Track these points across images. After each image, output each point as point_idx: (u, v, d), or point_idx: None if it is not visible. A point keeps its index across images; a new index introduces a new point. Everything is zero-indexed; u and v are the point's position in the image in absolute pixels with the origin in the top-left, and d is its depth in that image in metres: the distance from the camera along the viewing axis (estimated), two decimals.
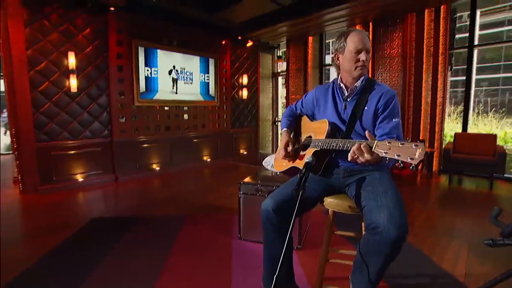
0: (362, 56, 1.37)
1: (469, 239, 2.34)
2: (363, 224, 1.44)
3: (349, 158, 1.14)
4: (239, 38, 5.79)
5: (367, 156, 1.08)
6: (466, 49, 4.40)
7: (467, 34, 4.40)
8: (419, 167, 4.56)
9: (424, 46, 4.33)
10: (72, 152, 3.96)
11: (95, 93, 4.12)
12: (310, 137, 1.57)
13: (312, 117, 1.67)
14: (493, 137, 4.04)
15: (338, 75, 1.54)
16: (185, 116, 5.35)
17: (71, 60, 3.77)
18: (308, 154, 1.49)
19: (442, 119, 4.37)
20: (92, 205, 3.41)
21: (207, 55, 5.43)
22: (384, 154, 1.03)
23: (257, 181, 2.36)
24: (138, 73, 4.45)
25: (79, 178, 4.02)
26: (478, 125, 8.87)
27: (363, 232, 1.45)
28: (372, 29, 4.91)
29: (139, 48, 4.42)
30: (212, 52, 5.52)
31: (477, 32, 4.38)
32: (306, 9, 4.64)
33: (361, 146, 1.09)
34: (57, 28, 3.70)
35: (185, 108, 5.29)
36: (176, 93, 5.00)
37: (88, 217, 2.83)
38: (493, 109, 10.09)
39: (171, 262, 2.00)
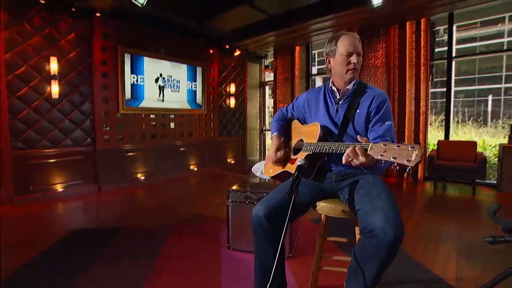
0: (353, 59, 1.37)
1: (457, 243, 2.36)
2: (356, 228, 1.42)
3: (344, 161, 1.12)
4: (227, 47, 5.82)
5: (361, 158, 1.07)
6: (445, 61, 4.60)
7: (444, 48, 4.61)
8: (405, 174, 4.64)
9: (407, 57, 4.49)
10: (52, 161, 3.77)
11: (78, 100, 3.99)
12: (302, 140, 1.55)
13: (303, 121, 1.66)
14: (474, 144, 4.18)
15: (329, 79, 1.54)
16: (172, 125, 5.26)
17: (53, 66, 3.64)
18: (300, 158, 1.46)
19: (425, 127, 4.50)
20: (72, 216, 3.24)
21: (195, 63, 5.40)
22: (379, 156, 1.02)
23: (246, 188, 2.31)
24: (124, 80, 4.35)
25: (59, 188, 3.83)
26: (458, 133, 9.22)
27: (357, 237, 1.43)
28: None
29: (125, 55, 4.34)
30: (199, 60, 5.50)
31: (454, 46, 4.58)
32: (292, 19, 4.74)
33: (356, 148, 1.07)
34: (39, 32, 3.58)
35: (172, 116, 5.20)
36: (163, 101, 4.92)
37: (67, 229, 2.67)
38: (471, 119, 10.53)
39: (157, 274, 1.90)
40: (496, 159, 4.75)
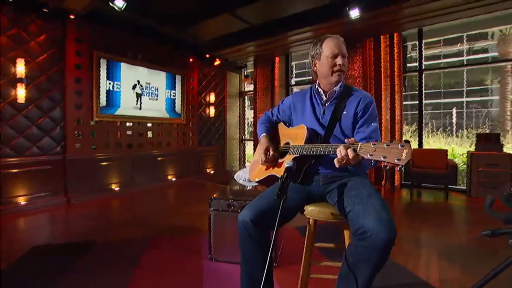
0: (339, 61, 1.38)
1: (436, 246, 2.42)
2: (345, 232, 1.39)
3: (337, 165, 1.10)
4: (207, 56, 5.79)
5: (353, 162, 1.07)
6: (417, 73, 4.87)
7: (413, 64, 4.90)
8: (382, 182, 4.76)
9: (382, 69, 4.70)
10: (15, 171, 3.47)
11: (47, 105, 3.74)
12: (288, 143, 1.52)
13: (289, 124, 1.64)
14: (445, 152, 4.40)
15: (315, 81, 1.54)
16: (149, 133, 5.08)
17: (20, 68, 3.40)
18: (287, 161, 1.43)
19: (400, 135, 4.68)
20: (36, 231, 2.95)
21: (174, 71, 5.31)
22: (369, 156, 1.01)
23: (228, 196, 2.24)
24: (99, 86, 4.16)
25: (22, 201, 3.51)
26: (429, 143, 9.71)
27: (346, 241, 1.40)
28: None
29: (101, 60, 4.17)
30: (179, 68, 5.42)
31: (423, 61, 4.88)
32: (272, 30, 4.82)
33: (348, 151, 1.06)
34: (5, 32, 3.35)
35: (149, 124, 5.03)
36: (140, 108, 4.75)
37: (29, 245, 2.43)
38: (440, 129, 11.17)
39: None
40: (465, 166, 5.01)
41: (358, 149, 1.04)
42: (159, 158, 5.15)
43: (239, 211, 2.12)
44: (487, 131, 9.26)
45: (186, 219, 3.24)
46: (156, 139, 5.16)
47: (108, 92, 4.30)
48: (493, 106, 12.02)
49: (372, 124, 1.36)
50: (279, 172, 1.48)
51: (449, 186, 4.11)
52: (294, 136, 1.50)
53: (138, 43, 4.70)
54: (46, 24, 3.67)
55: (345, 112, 1.40)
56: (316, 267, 1.72)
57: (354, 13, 3.55)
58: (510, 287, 1.72)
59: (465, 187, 4.38)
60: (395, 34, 4.59)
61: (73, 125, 3.97)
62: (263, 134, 1.60)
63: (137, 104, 4.70)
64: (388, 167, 1.14)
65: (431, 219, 3.25)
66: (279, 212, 1.07)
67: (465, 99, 12.46)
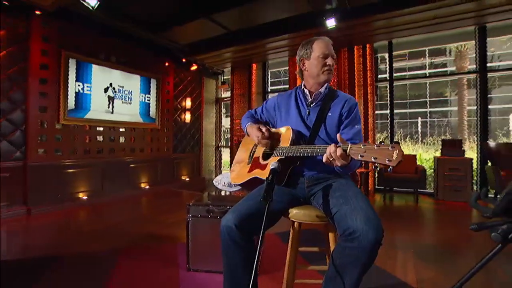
0: (329, 61, 1.40)
1: (411, 247, 2.49)
2: (330, 235, 1.38)
3: (324, 160, 1.09)
4: (184, 60, 5.68)
5: (343, 160, 1.06)
6: (387, 83, 5.13)
7: (384, 75, 5.16)
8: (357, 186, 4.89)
9: (356, 78, 4.89)
10: None
11: (6, 107, 3.43)
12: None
13: (273, 124, 1.62)
14: (414, 157, 4.63)
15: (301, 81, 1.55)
16: (122, 139, 4.84)
17: None
18: (271, 162, 1.40)
19: (373, 142, 4.85)
20: None
21: (149, 75, 5.14)
22: (360, 157, 1.01)
23: (207, 201, 2.16)
24: (67, 88, 3.91)
25: None
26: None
27: (331, 244, 1.39)
28: None
29: (70, 60, 3.93)
30: (154, 72, 5.26)
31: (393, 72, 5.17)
32: (250, 36, 4.85)
33: (337, 149, 1.05)
34: None
35: (122, 129, 4.80)
36: (112, 112, 4.52)
37: None
38: (408, 137, 11.83)
39: None
40: (431, 170, 5.31)
41: (348, 150, 1.04)
42: (131, 165, 4.91)
43: (219, 217, 2.06)
44: (449, 138, 9.92)
45: (160, 228, 3.08)
46: (129, 145, 4.92)
47: (77, 94, 4.05)
48: (452, 116, 12.99)
49: (356, 126, 1.37)
50: (263, 174, 1.44)
51: (418, 190, 4.32)
52: (279, 137, 1.48)
53: (111, 44, 4.50)
54: (7, 19, 3.39)
55: (330, 114, 1.40)
56: (300, 272, 1.69)
57: (331, 23, 3.69)
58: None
59: (432, 191, 4.62)
60: (367, 45, 4.82)
61: (37, 128, 3.67)
62: (248, 123, 1.57)
63: (109, 107, 4.46)
64: (378, 168, 1.16)
65: (405, 222, 3.38)
66: (265, 216, 1.03)
67: (428, 109, 13.38)
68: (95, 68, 4.26)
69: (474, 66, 4.65)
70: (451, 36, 5.56)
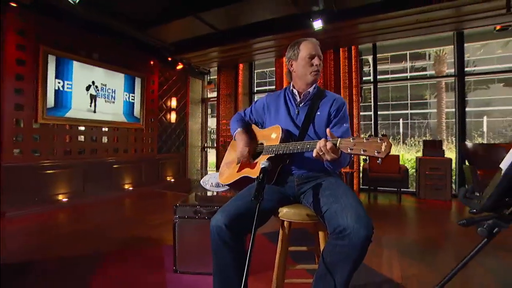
0: (316, 61, 1.41)
1: (396, 245, 2.55)
2: (320, 234, 1.38)
3: (314, 154, 1.11)
4: (169, 59, 5.58)
5: (332, 153, 1.07)
6: (371, 85, 5.25)
7: (367, 77, 5.30)
8: None
9: (341, 79, 4.97)
10: None
11: None
12: (262, 144, 1.49)
13: (262, 125, 1.61)
14: (397, 157, 4.76)
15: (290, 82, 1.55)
16: (104, 139, 4.69)
17: None
18: (261, 161, 1.40)
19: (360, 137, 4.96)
20: None
21: (133, 73, 5.02)
22: (349, 150, 1.02)
23: (195, 202, 2.12)
24: (46, 85, 3.75)
25: None
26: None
27: (321, 243, 1.39)
28: None
29: (49, 56, 3.76)
30: (139, 70, 5.13)
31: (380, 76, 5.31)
32: (237, 36, 4.83)
33: (327, 143, 1.06)
34: None
35: (105, 129, 4.65)
36: (95, 111, 4.37)
37: None
38: (390, 137, 12.20)
39: None
40: (413, 170, 5.47)
41: (338, 144, 1.05)
42: (115, 166, 4.77)
43: (206, 217, 2.02)
44: (430, 139, 10.31)
45: (145, 230, 3.00)
46: (112, 145, 4.77)
47: (56, 92, 3.88)
48: (431, 118, 13.50)
49: (344, 125, 1.39)
50: (253, 173, 1.44)
51: (401, 189, 4.44)
52: (268, 136, 1.47)
53: (94, 41, 4.36)
54: None
55: (318, 113, 1.42)
56: (288, 272, 1.68)
57: (317, 25, 3.74)
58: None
59: (414, 190, 4.76)
60: (352, 47, 4.91)
61: (12, 127, 3.49)
62: (238, 129, 1.56)
63: (91, 106, 4.31)
64: (368, 161, 1.17)
65: (389, 220, 3.45)
66: (256, 215, 1.03)
67: (409, 111, 13.83)
68: (76, 65, 4.10)
69: (452, 70, 4.85)
70: (431, 41, 5.77)
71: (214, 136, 11.81)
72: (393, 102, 13.86)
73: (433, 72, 11.91)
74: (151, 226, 3.12)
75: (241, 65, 6.18)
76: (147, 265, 2.12)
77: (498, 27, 4.19)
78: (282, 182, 1.42)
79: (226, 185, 1.62)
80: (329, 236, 1.12)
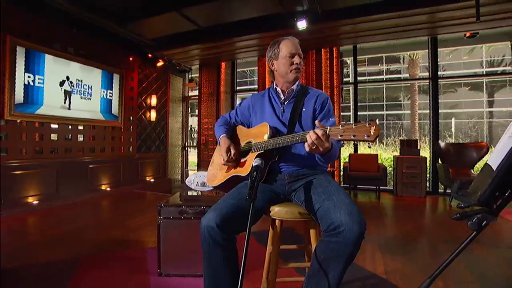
0: (296, 59, 1.43)
1: (377, 241, 2.63)
2: (311, 231, 1.38)
3: (307, 149, 1.11)
4: (149, 56, 5.40)
5: (323, 141, 1.07)
6: (351, 85, 5.39)
7: (347, 78, 5.43)
8: None
9: (323, 79, 5.06)
10: None
11: None
12: (250, 142, 1.48)
13: (248, 126, 1.61)
14: (376, 156, 4.92)
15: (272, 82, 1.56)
16: (80, 137, 4.46)
17: None
18: (250, 159, 1.38)
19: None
20: None
21: (111, 69, 4.81)
22: (339, 137, 1.04)
23: (180, 202, 2.07)
24: (14, 80, 3.49)
25: None
26: (361, 149, 10.88)
27: (312, 241, 1.39)
28: None
29: (18, 48, 3.51)
30: (117, 66, 4.93)
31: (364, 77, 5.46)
32: (220, 33, 4.77)
33: (318, 132, 1.07)
34: None
35: (80, 127, 4.42)
36: (69, 108, 4.14)
37: None
38: None
39: None
40: (391, 169, 5.69)
41: (328, 131, 1.06)
42: (91, 166, 4.54)
43: (192, 218, 1.98)
44: (406, 139, 10.82)
45: (125, 232, 2.89)
46: (88, 144, 4.55)
47: (26, 87, 3.63)
48: (405, 118, 14.14)
49: (330, 119, 1.41)
50: (242, 172, 1.42)
51: (380, 187, 4.60)
52: (256, 134, 1.47)
53: (69, 34, 4.12)
54: None
55: (304, 110, 1.44)
56: (280, 270, 1.68)
57: (302, 25, 3.77)
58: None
59: (392, 188, 4.95)
60: (334, 48, 5.02)
61: None
62: (222, 135, 1.54)
63: (65, 103, 4.08)
64: (357, 143, 1.19)
65: (369, 217, 3.56)
66: (250, 214, 1.01)
67: (385, 112, 14.40)
68: (48, 58, 3.86)
69: (425, 73, 5.10)
70: (405, 45, 6.02)
71: (195, 135, 11.65)
72: (370, 103, 14.37)
73: (407, 75, 12.48)
74: (131, 228, 3.01)
75: (223, 64, 6.11)
76: (129, 269, 2.04)
77: (468, 34, 4.45)
78: (272, 180, 1.42)
79: (215, 187, 1.59)
80: (322, 234, 1.13)
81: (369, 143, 0.99)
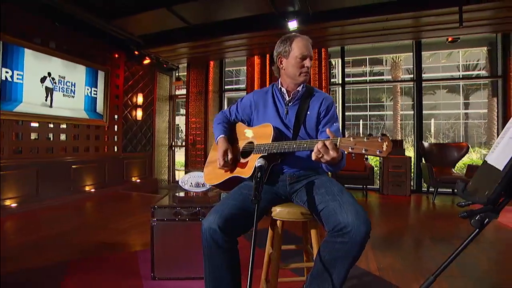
0: (307, 63, 1.38)
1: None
2: (312, 231, 1.38)
3: (313, 158, 1.08)
4: (136, 53, 5.25)
5: (332, 153, 1.04)
6: (337, 86, 5.49)
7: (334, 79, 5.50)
8: None
9: (311, 80, 5.11)
10: None
11: None
12: (252, 142, 1.46)
13: (248, 123, 1.58)
14: (362, 155, 5.02)
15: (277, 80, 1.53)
16: (62, 136, 4.27)
17: None
18: (252, 161, 1.37)
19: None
20: None
21: (96, 66, 4.64)
22: (350, 150, 1.02)
23: (175, 203, 2.02)
24: None
25: None
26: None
27: (313, 241, 1.39)
28: (268, 60, 5.46)
29: None
30: (102, 63, 4.76)
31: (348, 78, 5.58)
32: (209, 32, 4.71)
33: (327, 143, 1.05)
34: None
35: (63, 126, 4.23)
36: (51, 106, 3.95)
37: None
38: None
39: None
40: (377, 168, 5.83)
41: (338, 143, 1.04)
42: (74, 166, 4.36)
43: (187, 219, 1.94)
44: (391, 139, 11.12)
45: (113, 235, 2.79)
46: (71, 144, 4.36)
47: (3, 82, 3.43)
48: (388, 119, 14.57)
49: (334, 124, 1.40)
50: (243, 172, 1.40)
51: (367, 186, 4.70)
52: (258, 135, 1.44)
53: (52, 28, 3.92)
54: None
55: (309, 113, 1.41)
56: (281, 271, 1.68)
57: (293, 25, 3.79)
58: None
59: (378, 187, 5.07)
60: (322, 49, 5.08)
61: None
62: (220, 136, 1.49)
63: (46, 100, 3.89)
64: (368, 160, 1.20)
65: None
66: (255, 215, 1.01)
67: (368, 113, 14.77)
68: (28, 53, 3.66)
69: (406, 75, 5.28)
70: (388, 48, 6.19)
71: (182, 135, 11.47)
72: (354, 104, 14.70)
73: (389, 76, 12.86)
74: (119, 231, 2.92)
75: (211, 63, 6.05)
76: (121, 274, 1.97)
77: (450, 39, 4.64)
78: (274, 181, 1.41)
79: (213, 185, 1.56)
80: (327, 234, 1.13)
81: (380, 158, 0.99)
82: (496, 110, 5.25)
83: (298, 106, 1.43)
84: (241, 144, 1.52)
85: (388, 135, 1.02)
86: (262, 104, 1.50)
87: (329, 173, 1.49)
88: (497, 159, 0.82)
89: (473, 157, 8.96)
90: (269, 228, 1.47)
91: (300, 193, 1.34)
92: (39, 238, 2.71)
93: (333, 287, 1.10)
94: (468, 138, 13.04)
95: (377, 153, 0.97)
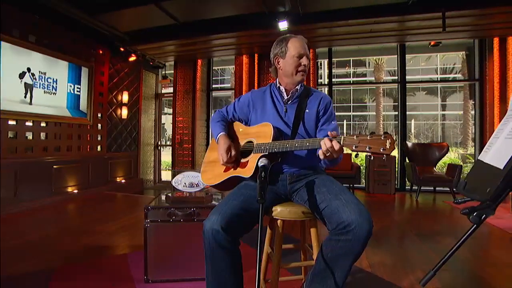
0: (304, 61, 1.40)
1: None
2: (312, 230, 1.40)
3: (321, 156, 1.10)
4: (122, 49, 5.09)
5: (339, 152, 1.09)
6: (325, 87, 5.58)
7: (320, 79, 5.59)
8: None
9: None
10: None
11: None
12: (251, 142, 1.45)
13: (246, 122, 1.57)
14: (349, 155, 5.13)
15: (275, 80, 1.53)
16: (43, 135, 4.07)
17: None
18: (252, 160, 1.36)
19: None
20: None
21: (80, 62, 4.46)
22: (354, 148, 1.04)
23: (167, 204, 1.98)
24: None
25: None
26: None
27: (313, 239, 1.41)
28: (257, 60, 5.46)
29: None
30: (86, 59, 4.59)
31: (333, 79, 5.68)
32: (197, 30, 4.64)
33: (333, 142, 1.08)
34: None
35: (43, 124, 4.04)
36: (31, 103, 3.76)
37: None
38: None
39: None
40: (362, 167, 5.98)
41: (342, 142, 1.07)
42: (55, 166, 4.17)
43: (182, 220, 1.91)
44: None
45: (100, 238, 2.69)
46: (52, 143, 4.17)
47: None
48: (370, 119, 14.98)
49: (333, 122, 1.43)
50: (245, 172, 1.39)
51: (354, 185, 4.81)
52: (258, 134, 1.44)
53: (31, 20, 3.73)
54: None
55: (307, 111, 1.43)
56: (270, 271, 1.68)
57: (283, 25, 3.80)
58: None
59: (364, 185, 5.20)
60: (311, 50, 5.14)
61: None
62: (221, 133, 1.48)
63: (25, 97, 3.70)
64: (371, 158, 1.22)
65: None
66: (260, 214, 1.01)
67: (352, 113, 15.12)
68: (5, 47, 3.46)
69: (388, 77, 5.45)
70: (372, 50, 6.36)
71: (168, 134, 11.24)
72: (338, 104, 15.00)
73: (372, 78, 13.22)
74: (106, 234, 2.82)
75: (199, 61, 5.98)
76: (112, 278, 1.91)
77: (432, 43, 4.82)
78: (274, 180, 1.41)
79: (212, 186, 1.54)
80: (330, 232, 1.14)
81: (384, 156, 1.01)
82: (472, 112, 5.51)
83: (297, 104, 1.44)
84: (240, 143, 1.51)
85: (390, 133, 1.04)
86: (260, 103, 1.50)
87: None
88: (496, 158, 0.85)
89: (451, 156, 9.38)
90: (268, 227, 1.47)
91: (301, 192, 1.35)
92: (19, 244, 2.55)
93: (336, 284, 1.12)
94: (445, 138, 13.63)
95: (381, 150, 0.99)
